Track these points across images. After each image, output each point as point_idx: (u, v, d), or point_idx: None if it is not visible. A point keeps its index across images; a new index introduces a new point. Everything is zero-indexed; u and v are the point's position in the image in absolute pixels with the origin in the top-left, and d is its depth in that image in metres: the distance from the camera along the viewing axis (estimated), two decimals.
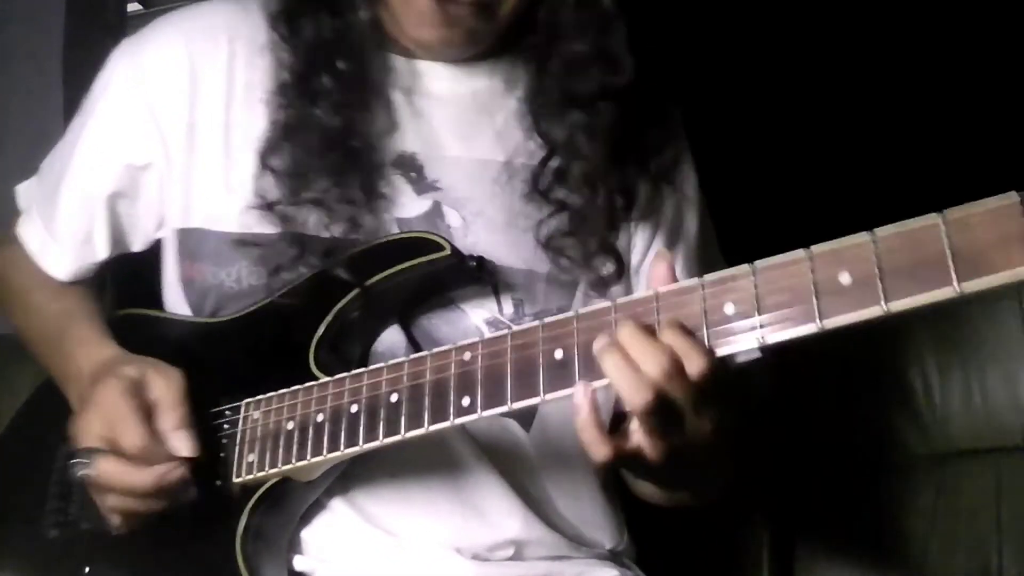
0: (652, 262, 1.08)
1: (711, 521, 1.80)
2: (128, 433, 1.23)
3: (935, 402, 1.80)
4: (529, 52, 1.40)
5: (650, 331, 1.01)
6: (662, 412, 1.01)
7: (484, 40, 1.37)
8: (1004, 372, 1.77)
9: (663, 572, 1.53)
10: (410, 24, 1.34)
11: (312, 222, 1.35)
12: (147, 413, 1.26)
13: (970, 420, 1.78)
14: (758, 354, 1.43)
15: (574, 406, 1.04)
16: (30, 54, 2.28)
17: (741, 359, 1.44)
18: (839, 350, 1.79)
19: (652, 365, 0.99)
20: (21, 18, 2.29)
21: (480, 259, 1.34)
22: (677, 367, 1.00)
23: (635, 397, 1.00)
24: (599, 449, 1.05)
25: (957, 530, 1.75)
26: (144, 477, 1.24)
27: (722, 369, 1.02)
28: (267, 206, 1.34)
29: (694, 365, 1.00)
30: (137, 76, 1.44)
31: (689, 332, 1.01)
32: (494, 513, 1.36)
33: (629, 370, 1.00)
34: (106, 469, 1.24)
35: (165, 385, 1.27)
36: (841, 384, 1.85)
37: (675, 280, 1.05)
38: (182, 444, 1.25)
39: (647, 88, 1.39)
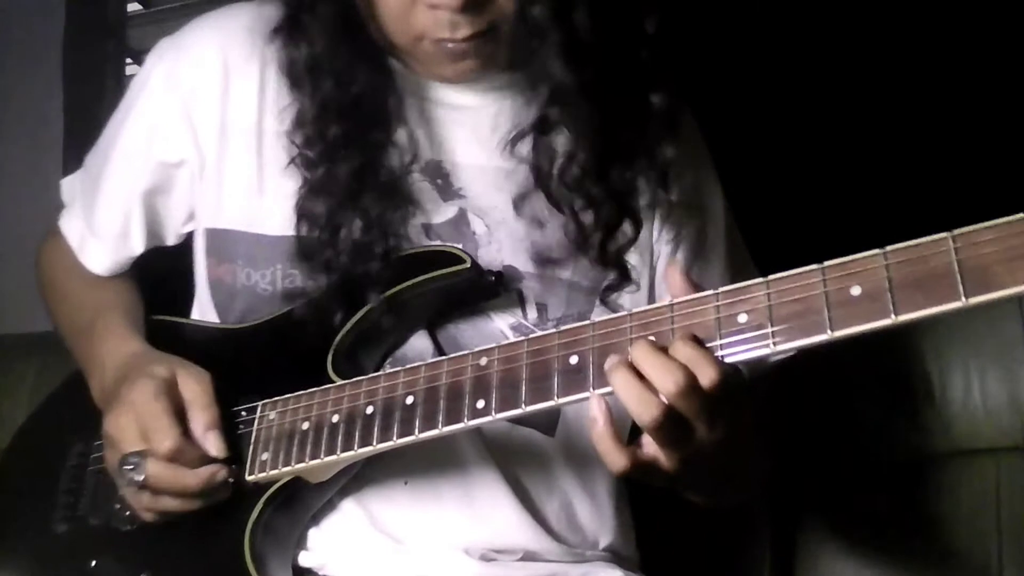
0: (666, 271, 1.10)
1: (712, 521, 1.81)
2: (160, 435, 1.25)
3: (935, 402, 1.79)
4: (515, 58, 1.39)
5: (663, 348, 1.04)
6: (672, 426, 1.03)
7: (500, 62, 1.37)
8: (1004, 372, 1.76)
9: (664, 572, 1.54)
10: (424, 66, 1.36)
11: (353, 259, 1.36)
12: (179, 413, 1.28)
13: (970, 420, 1.77)
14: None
15: (590, 418, 1.06)
16: (30, 54, 2.28)
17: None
18: (840, 351, 1.80)
19: (666, 381, 1.01)
20: (21, 18, 2.29)
21: (499, 274, 1.36)
22: (691, 382, 1.01)
23: (644, 414, 1.03)
24: (616, 460, 1.07)
25: (957, 530, 1.74)
26: (194, 479, 1.26)
27: (734, 378, 1.04)
28: (310, 256, 1.35)
29: (706, 376, 1.02)
30: (173, 75, 1.46)
31: (700, 343, 1.03)
32: (503, 524, 1.37)
33: (638, 387, 1.03)
34: (155, 472, 1.25)
35: (196, 386, 1.30)
36: (841, 384, 1.84)
37: (691, 285, 1.08)
38: (213, 445, 1.27)
39: (637, 85, 1.39)
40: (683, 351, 1.03)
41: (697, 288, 1.09)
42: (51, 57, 2.24)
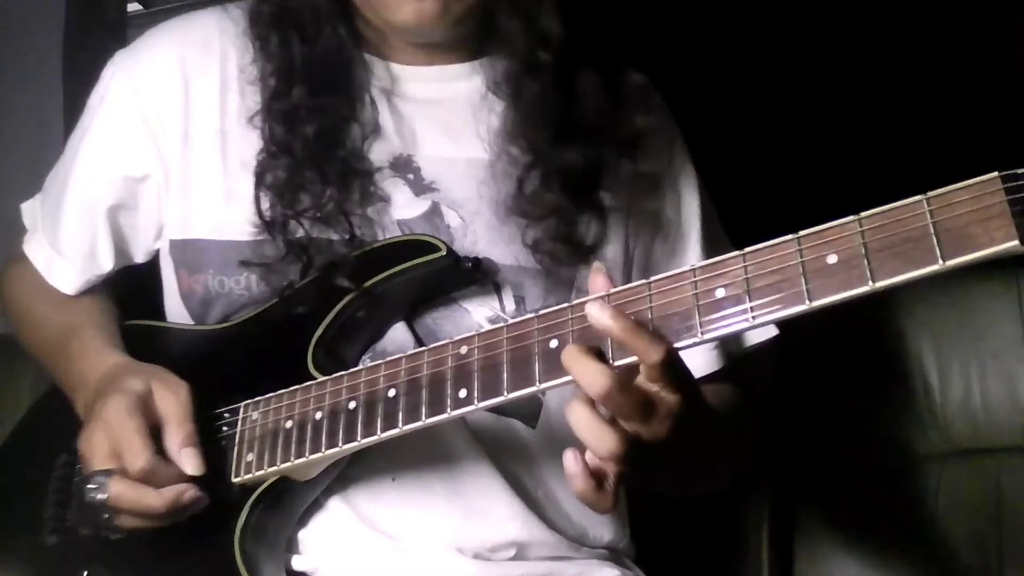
0: (589, 277, 1.10)
1: (711, 520, 1.80)
2: (133, 455, 1.23)
3: (935, 402, 1.80)
4: (509, 53, 1.39)
5: (595, 352, 1.03)
6: (628, 449, 1.03)
7: (460, 19, 1.35)
8: (1004, 372, 1.78)
9: (663, 571, 1.53)
10: (385, 8, 1.33)
11: (313, 231, 1.35)
12: (154, 429, 1.26)
13: (970, 420, 1.79)
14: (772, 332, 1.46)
15: (568, 477, 1.06)
16: (30, 54, 2.29)
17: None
18: (840, 350, 1.81)
19: (597, 387, 1.01)
20: (21, 18, 2.29)
21: (476, 260, 1.35)
22: (622, 382, 1.01)
23: (600, 447, 1.03)
24: (603, 506, 1.08)
25: (957, 530, 1.75)
26: (158, 500, 1.23)
27: (678, 359, 1.03)
28: (267, 224, 1.35)
29: (654, 355, 1.01)
30: (131, 87, 1.45)
31: (641, 327, 1.02)
32: (495, 515, 1.36)
33: (596, 423, 1.03)
34: (119, 491, 1.23)
35: (172, 400, 1.28)
36: (841, 385, 1.85)
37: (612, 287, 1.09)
38: (189, 463, 1.25)
39: (626, 82, 1.41)
40: (626, 335, 1.01)
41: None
42: (51, 57, 2.24)
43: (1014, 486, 1.74)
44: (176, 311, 1.48)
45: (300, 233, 1.35)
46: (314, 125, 1.35)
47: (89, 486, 1.24)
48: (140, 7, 2.40)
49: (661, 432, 1.04)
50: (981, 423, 1.77)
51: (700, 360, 1.41)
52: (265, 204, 1.35)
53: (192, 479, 1.25)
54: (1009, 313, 1.77)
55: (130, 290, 1.57)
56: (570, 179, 1.36)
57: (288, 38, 1.36)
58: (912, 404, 1.81)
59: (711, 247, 1.48)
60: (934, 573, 1.74)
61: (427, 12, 1.32)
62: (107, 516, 1.25)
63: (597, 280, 1.08)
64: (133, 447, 1.23)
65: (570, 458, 1.06)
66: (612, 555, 1.47)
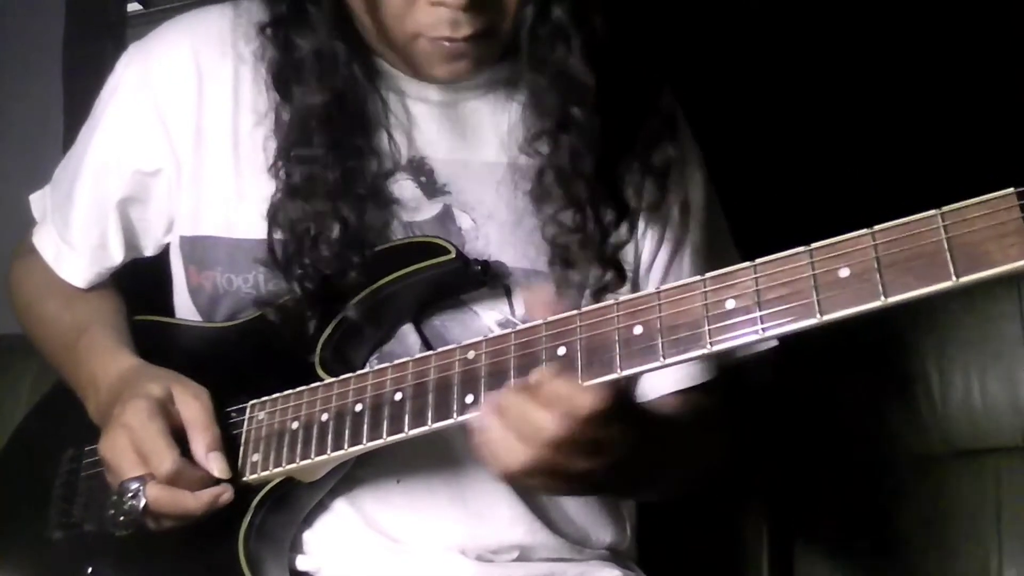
0: (523, 299, 1.10)
1: (712, 521, 1.81)
2: (159, 457, 1.24)
3: (935, 402, 1.79)
4: (528, 57, 1.38)
5: (531, 391, 1.06)
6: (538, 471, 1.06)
7: (491, 62, 1.36)
8: (1004, 372, 1.76)
9: (664, 573, 1.53)
10: (416, 66, 1.34)
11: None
12: (176, 433, 1.27)
13: (970, 420, 1.78)
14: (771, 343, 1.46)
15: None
16: (30, 54, 2.29)
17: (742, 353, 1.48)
18: (839, 351, 1.80)
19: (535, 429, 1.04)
20: (21, 18, 2.29)
21: (485, 263, 1.34)
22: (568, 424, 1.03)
23: (511, 462, 1.06)
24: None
25: (957, 530, 1.75)
26: (195, 502, 1.25)
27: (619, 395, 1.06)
28: (282, 268, 1.34)
29: (584, 408, 1.03)
30: (144, 80, 1.44)
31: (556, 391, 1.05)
32: (498, 519, 1.36)
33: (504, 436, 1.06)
34: (158, 497, 1.24)
35: (195, 405, 1.29)
36: (841, 384, 1.84)
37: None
38: (216, 466, 1.26)
39: (641, 87, 1.40)
40: (557, 386, 1.05)
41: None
42: (51, 57, 2.24)
43: (1014, 486, 1.73)
44: (184, 306, 1.47)
45: (318, 268, 1.33)
46: (332, 170, 1.33)
47: (126, 495, 1.24)
48: (140, 7, 2.39)
49: (600, 464, 1.08)
50: (981, 423, 1.77)
51: (693, 369, 1.43)
52: (278, 241, 1.34)
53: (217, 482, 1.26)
54: (1009, 314, 1.77)
55: (138, 283, 1.57)
56: (589, 178, 1.35)
57: (306, 85, 1.33)
58: (912, 404, 1.80)
59: (714, 260, 1.47)
60: (934, 573, 1.73)
61: (460, 71, 1.32)
62: (144, 520, 1.26)
63: (531, 303, 1.12)
64: (158, 449, 1.24)
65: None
66: (614, 557, 1.47)
